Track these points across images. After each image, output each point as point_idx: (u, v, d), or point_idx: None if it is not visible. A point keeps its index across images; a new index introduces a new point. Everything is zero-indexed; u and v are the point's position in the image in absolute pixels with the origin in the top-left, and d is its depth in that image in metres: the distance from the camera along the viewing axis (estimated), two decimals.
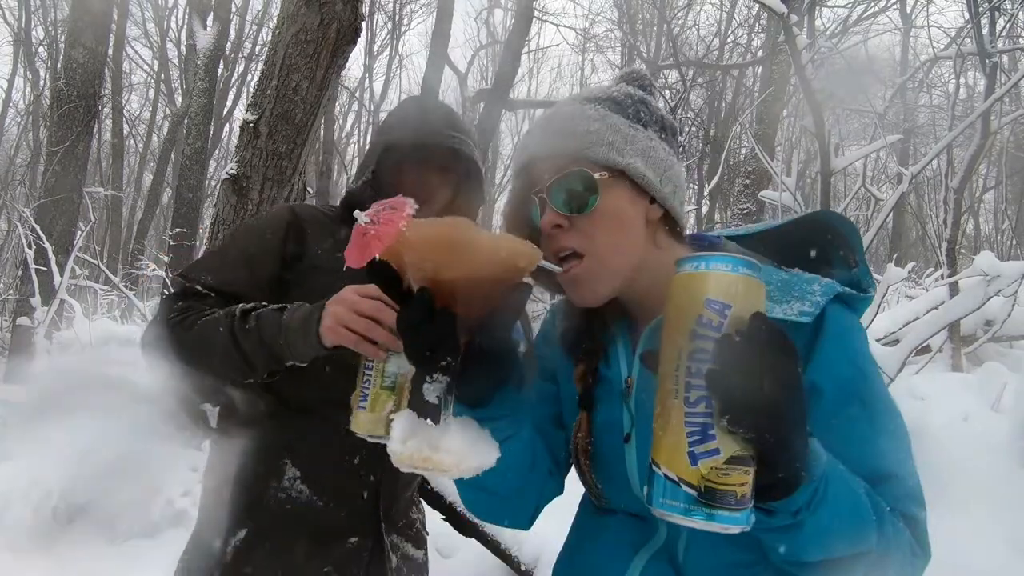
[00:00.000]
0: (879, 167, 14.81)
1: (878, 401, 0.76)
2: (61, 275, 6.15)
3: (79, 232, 7.06)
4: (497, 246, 0.58)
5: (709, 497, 0.56)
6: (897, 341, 4.12)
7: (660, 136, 0.86)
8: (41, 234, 6.30)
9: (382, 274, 0.63)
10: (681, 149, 0.95)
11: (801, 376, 0.58)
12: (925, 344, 4.17)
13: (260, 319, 1.09)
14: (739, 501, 0.56)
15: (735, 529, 0.57)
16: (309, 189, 3.13)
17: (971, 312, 3.94)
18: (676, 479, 0.56)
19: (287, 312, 1.08)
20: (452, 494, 2.91)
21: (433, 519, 3.25)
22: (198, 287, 1.22)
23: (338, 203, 1.40)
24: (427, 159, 1.29)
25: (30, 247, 6.34)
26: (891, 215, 8.21)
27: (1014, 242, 14.28)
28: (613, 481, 0.86)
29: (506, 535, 2.82)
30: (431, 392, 0.65)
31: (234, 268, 1.25)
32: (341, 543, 1.27)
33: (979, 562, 2.74)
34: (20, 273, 6.89)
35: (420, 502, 1.47)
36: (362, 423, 0.97)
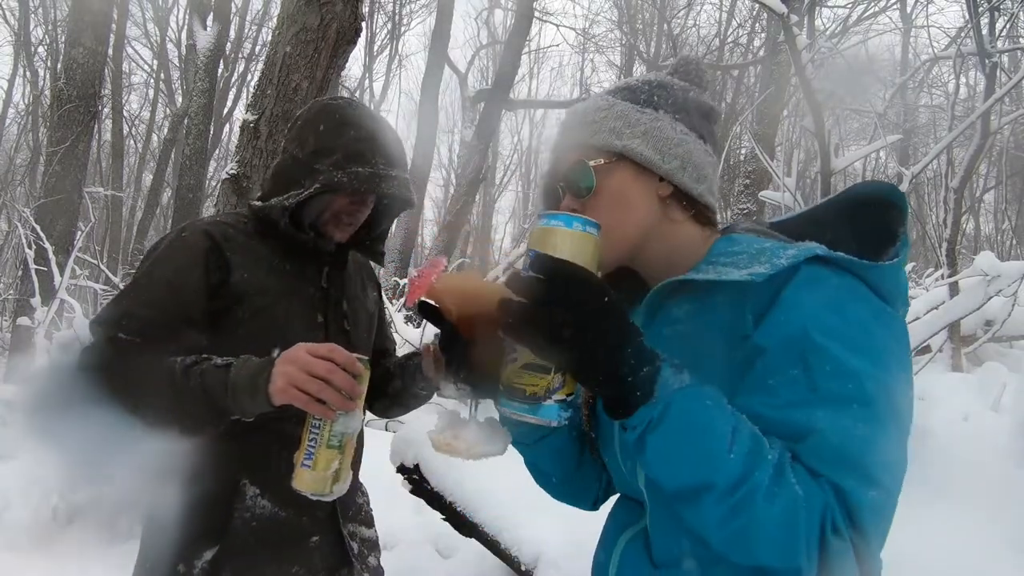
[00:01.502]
0: (879, 167, 14.81)
1: (826, 364, 0.70)
2: (61, 275, 6.15)
3: (79, 232, 7.06)
4: (498, 291, 0.74)
5: (508, 394, 0.73)
6: None
7: (675, 116, 0.89)
8: (41, 234, 6.30)
9: (427, 309, 0.83)
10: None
11: (588, 304, 0.67)
12: (925, 344, 4.17)
13: (204, 376, 1.04)
14: (529, 397, 0.72)
15: (532, 419, 0.72)
16: None
17: (971, 312, 3.94)
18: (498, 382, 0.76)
19: (233, 369, 1.04)
20: (452, 494, 2.91)
21: (433, 519, 3.25)
22: (120, 335, 1.13)
23: (249, 211, 1.33)
24: (363, 199, 1.29)
25: (30, 247, 6.34)
26: None
27: (1014, 242, 14.28)
28: (612, 459, 0.91)
29: (506, 535, 2.81)
30: (460, 395, 0.85)
31: (157, 307, 1.16)
32: (304, 544, 1.29)
33: (979, 562, 2.74)
34: (20, 273, 6.89)
35: (361, 483, 1.47)
36: (306, 481, 0.98)
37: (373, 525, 1.48)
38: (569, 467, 0.97)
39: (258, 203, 1.29)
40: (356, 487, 1.47)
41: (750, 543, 0.66)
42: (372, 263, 1.50)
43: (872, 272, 0.76)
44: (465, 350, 0.82)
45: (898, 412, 0.71)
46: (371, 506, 1.51)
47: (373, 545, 1.46)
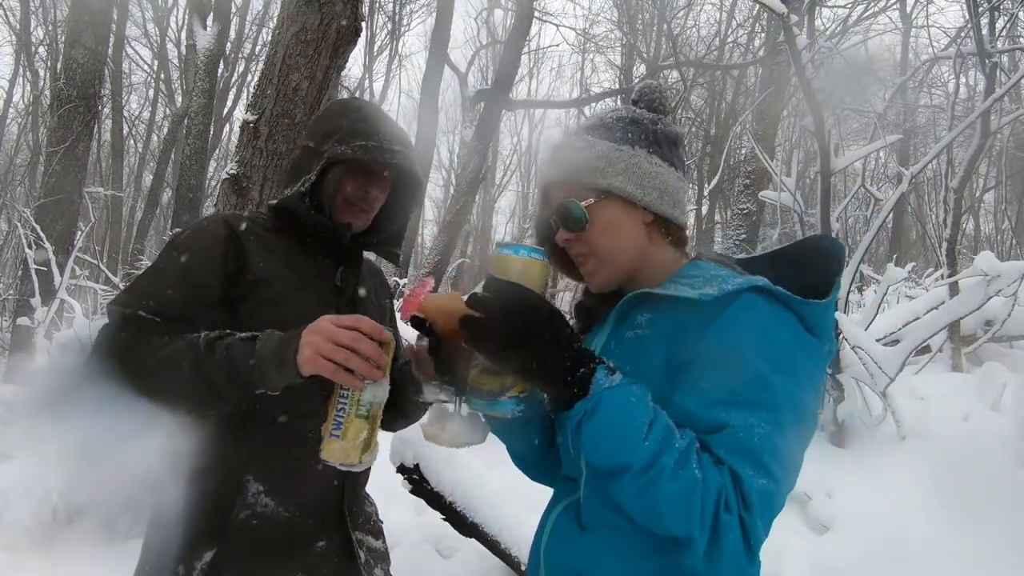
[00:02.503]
0: (879, 167, 14.81)
1: (748, 374, 0.84)
2: (61, 275, 6.15)
3: (79, 232, 7.06)
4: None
5: (472, 393, 0.92)
6: (897, 341, 4.12)
7: (649, 150, 1.02)
8: (41, 234, 6.30)
9: (418, 322, 0.96)
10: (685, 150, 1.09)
11: (529, 318, 0.84)
12: (925, 344, 4.17)
13: (229, 350, 1.04)
14: (487, 395, 0.91)
15: (492, 412, 0.92)
16: None
17: (971, 312, 3.94)
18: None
19: (259, 341, 1.04)
20: (452, 494, 2.91)
21: (433, 519, 3.25)
22: (140, 313, 1.14)
23: (267, 208, 1.36)
24: (370, 174, 1.30)
25: (30, 247, 6.34)
26: (891, 215, 8.21)
27: (1014, 242, 14.28)
28: (564, 443, 1.03)
29: (506, 535, 2.82)
30: (444, 394, 0.98)
31: (176, 289, 1.17)
32: (310, 548, 1.27)
33: (980, 562, 2.74)
34: (20, 273, 6.89)
35: (368, 494, 1.47)
36: (335, 452, 0.98)
37: (382, 536, 1.45)
38: (540, 452, 1.12)
39: (274, 201, 1.33)
40: (364, 496, 1.45)
41: (657, 514, 0.81)
42: (385, 275, 1.52)
43: (802, 307, 0.90)
44: (449, 356, 0.97)
45: (800, 422, 0.86)
46: (380, 518, 1.49)
47: (381, 556, 1.42)
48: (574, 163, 1.02)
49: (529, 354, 0.84)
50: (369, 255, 1.48)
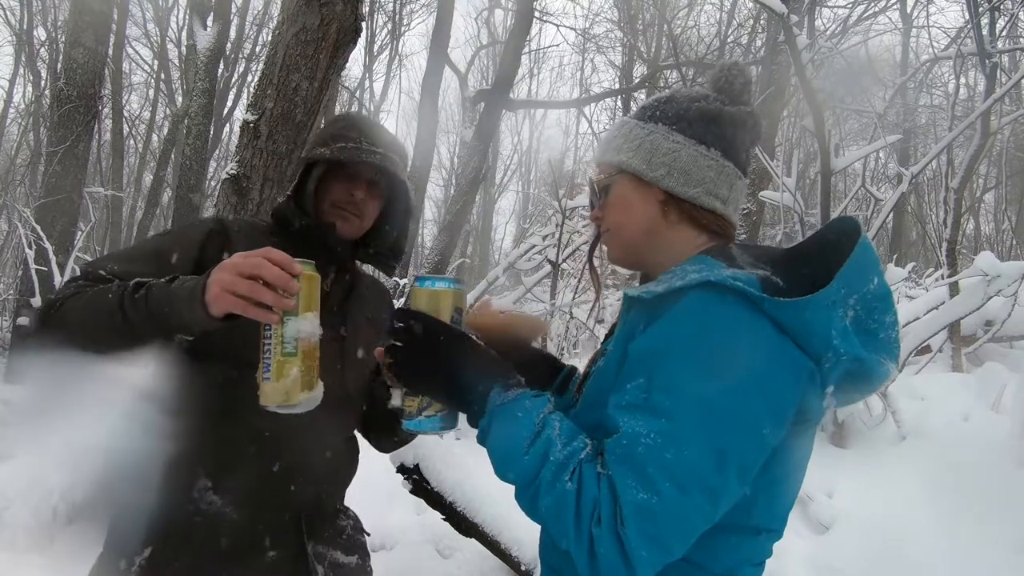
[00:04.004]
0: (879, 167, 14.80)
1: (663, 378, 0.79)
2: (61, 275, 6.15)
3: (79, 232, 7.06)
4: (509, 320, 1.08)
5: (400, 413, 0.97)
6: None
7: (672, 127, 0.98)
8: (41, 234, 6.30)
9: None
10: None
11: (436, 350, 0.90)
12: (925, 344, 4.17)
13: (151, 288, 1.02)
14: (409, 415, 0.96)
15: (416, 431, 0.98)
16: None
17: (971, 312, 3.94)
18: None
19: (176, 282, 1.01)
20: (452, 494, 2.91)
21: (433, 519, 3.25)
22: (101, 271, 1.14)
23: (270, 216, 1.37)
24: (352, 174, 1.29)
25: (30, 247, 6.34)
26: (891, 215, 8.20)
27: (1014, 242, 14.27)
28: None
29: (506, 535, 2.81)
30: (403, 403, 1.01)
31: (143, 261, 1.18)
32: (259, 558, 1.21)
33: (980, 562, 2.74)
34: (20, 273, 6.89)
35: (348, 508, 1.41)
36: (269, 395, 0.93)
37: (358, 552, 1.37)
38: None
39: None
40: (341, 510, 1.39)
41: (545, 527, 0.83)
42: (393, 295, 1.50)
43: (767, 304, 0.79)
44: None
45: (713, 436, 0.76)
46: (363, 535, 1.41)
47: (351, 573, 1.34)
48: (605, 143, 1.04)
49: (432, 379, 0.90)
50: (375, 274, 1.47)
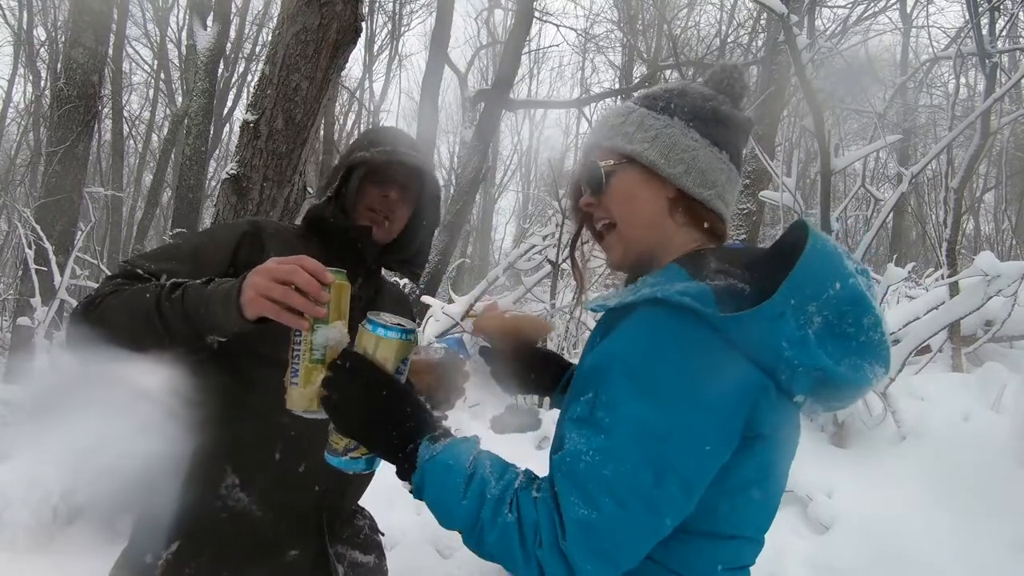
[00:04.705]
0: (879, 167, 14.80)
1: (606, 394, 0.80)
2: (61, 275, 6.15)
3: (79, 232, 7.06)
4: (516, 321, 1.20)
5: (327, 447, 0.96)
6: (897, 341, 4.12)
7: (688, 123, 0.95)
8: (41, 234, 6.29)
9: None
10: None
11: (373, 403, 0.88)
12: (925, 344, 4.17)
13: (187, 289, 1.05)
14: (334, 451, 0.95)
15: (341, 469, 0.96)
16: (309, 189, 3.13)
17: (971, 312, 3.94)
18: None
19: (212, 284, 1.04)
20: None
21: (433, 519, 3.25)
22: (138, 271, 1.18)
23: (302, 220, 1.41)
24: (386, 177, 1.33)
25: (30, 247, 6.33)
26: (891, 215, 8.21)
27: (1014, 242, 14.27)
28: None
29: None
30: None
31: (179, 261, 1.21)
32: (281, 556, 1.23)
33: (980, 562, 2.74)
34: (20, 273, 6.88)
35: (364, 508, 1.44)
36: (295, 400, 0.95)
37: (374, 552, 1.40)
38: None
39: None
40: (356, 509, 1.42)
41: (496, 562, 0.82)
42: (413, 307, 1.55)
43: (712, 319, 0.78)
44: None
45: (650, 452, 0.77)
46: (379, 534, 1.44)
47: (369, 571, 1.37)
48: (609, 126, 0.98)
49: (363, 431, 0.90)
50: (397, 279, 1.51)
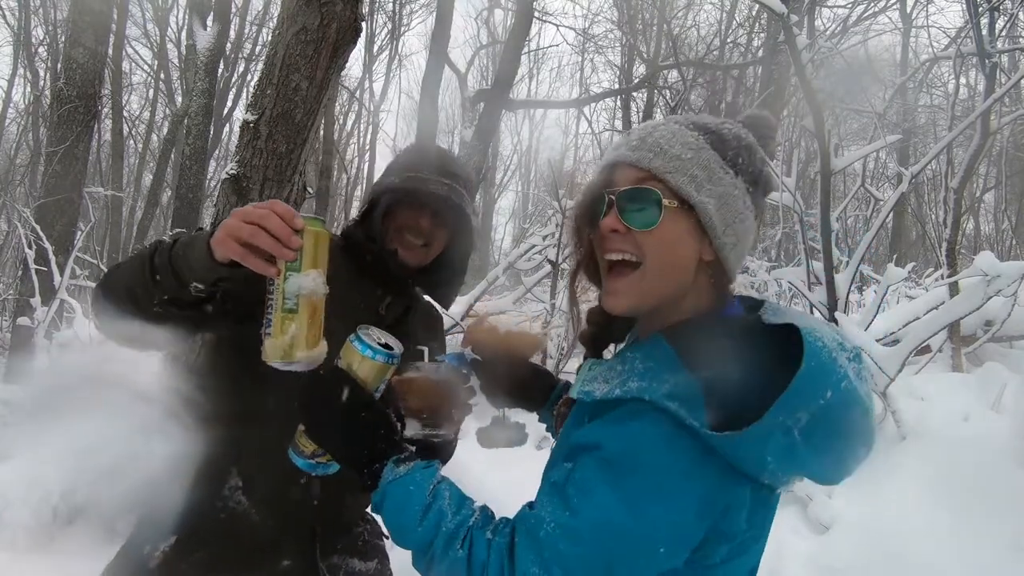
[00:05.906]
0: (879, 167, 14.80)
1: (580, 475, 0.82)
2: (61, 275, 6.15)
3: (79, 232, 7.06)
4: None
5: (293, 447, 1.00)
6: (897, 341, 4.12)
7: (748, 188, 0.90)
8: (41, 234, 6.29)
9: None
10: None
11: (347, 419, 0.93)
12: (925, 344, 4.17)
13: (179, 238, 1.04)
14: (300, 454, 0.99)
15: (309, 472, 1.01)
16: (309, 189, 3.13)
17: (971, 312, 3.93)
18: None
19: (194, 231, 1.04)
20: None
21: None
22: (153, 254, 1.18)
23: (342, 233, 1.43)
24: (417, 203, 1.32)
25: (30, 247, 6.33)
26: (891, 215, 8.21)
27: (1014, 242, 14.27)
28: None
29: None
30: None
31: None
32: (274, 564, 1.23)
33: (980, 562, 2.74)
34: (20, 273, 6.88)
35: (365, 513, 1.43)
36: (268, 351, 0.92)
37: (376, 557, 1.39)
38: None
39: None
40: (360, 516, 1.41)
41: None
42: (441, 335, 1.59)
43: (700, 434, 0.77)
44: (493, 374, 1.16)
45: (606, 544, 0.78)
46: (382, 539, 1.43)
47: None
48: (673, 157, 0.87)
49: (333, 443, 0.94)
50: (434, 305, 1.52)
